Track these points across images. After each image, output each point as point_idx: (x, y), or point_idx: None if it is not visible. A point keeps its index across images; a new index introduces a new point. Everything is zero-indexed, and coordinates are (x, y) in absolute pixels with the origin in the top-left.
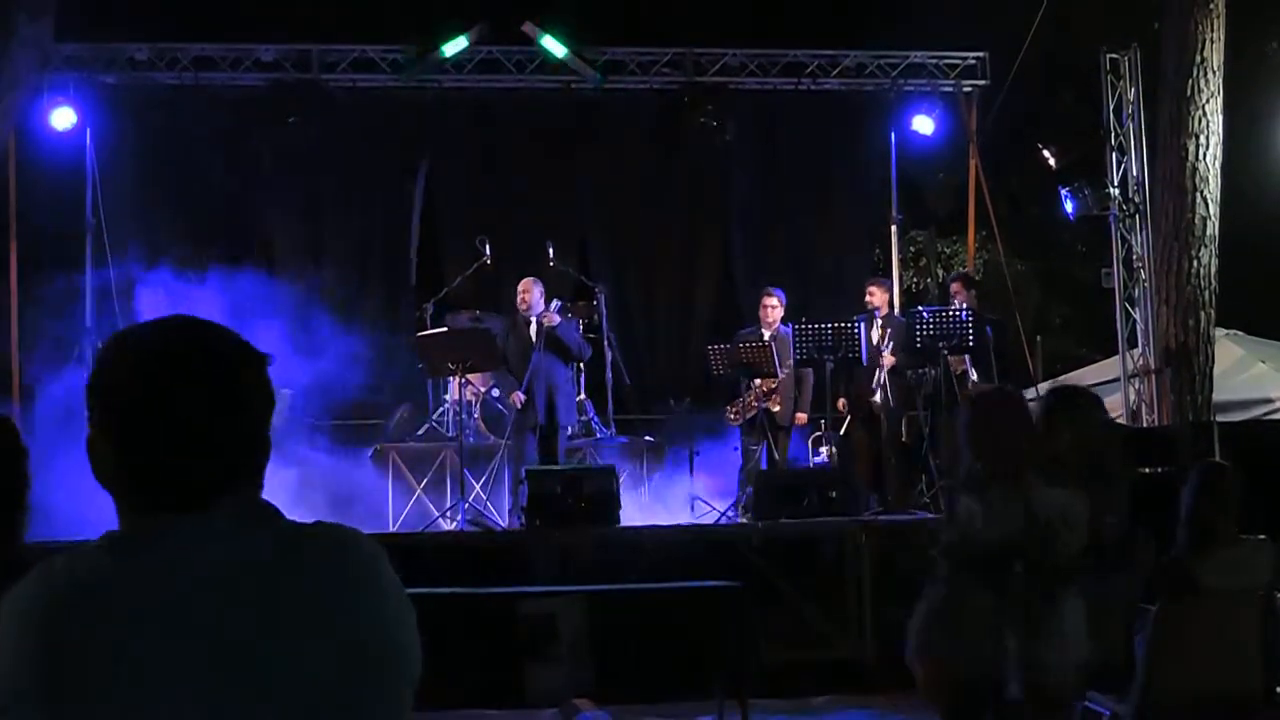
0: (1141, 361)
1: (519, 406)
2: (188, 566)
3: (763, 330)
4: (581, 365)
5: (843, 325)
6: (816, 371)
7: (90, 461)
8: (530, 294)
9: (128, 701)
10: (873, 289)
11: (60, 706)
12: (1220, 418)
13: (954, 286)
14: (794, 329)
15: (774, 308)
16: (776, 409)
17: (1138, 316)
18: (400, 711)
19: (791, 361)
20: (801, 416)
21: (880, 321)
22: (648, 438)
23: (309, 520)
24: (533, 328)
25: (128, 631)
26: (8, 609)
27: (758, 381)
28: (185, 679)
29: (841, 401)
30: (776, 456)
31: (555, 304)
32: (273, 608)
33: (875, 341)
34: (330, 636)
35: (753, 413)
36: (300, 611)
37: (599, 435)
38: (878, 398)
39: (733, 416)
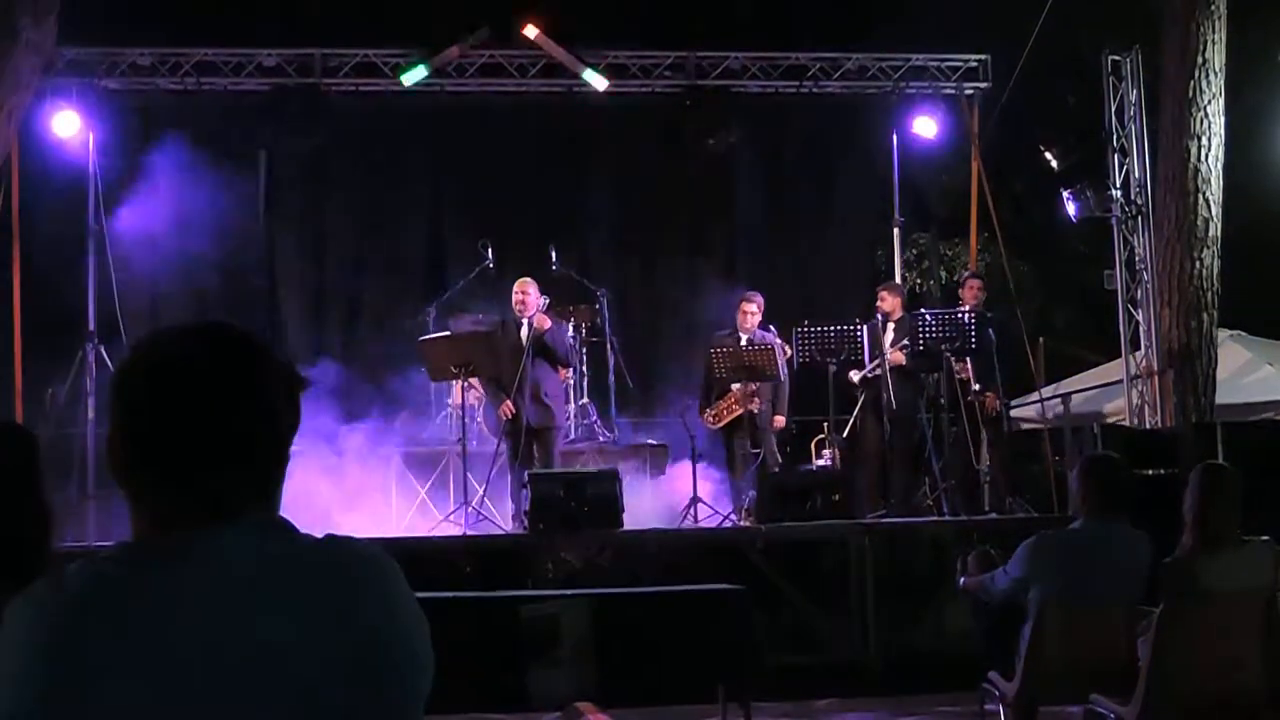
0: (1144, 363)
1: (509, 417)
2: (204, 581)
3: (740, 334)
4: (584, 370)
5: (844, 328)
6: (819, 374)
7: (108, 461)
8: (528, 295)
9: (137, 714)
10: (884, 294)
11: (68, 718)
12: (1227, 420)
13: (974, 283)
14: (795, 331)
15: (752, 313)
16: (757, 411)
17: (1140, 318)
18: None
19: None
20: (780, 420)
21: (894, 325)
22: (650, 441)
23: (314, 528)
24: (524, 331)
25: (139, 645)
26: (17, 616)
27: (736, 386)
28: (195, 693)
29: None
30: (768, 459)
31: (544, 302)
32: (287, 622)
33: (887, 346)
34: (344, 651)
35: (734, 416)
36: (314, 626)
37: (601, 438)
38: (855, 377)
39: (711, 420)
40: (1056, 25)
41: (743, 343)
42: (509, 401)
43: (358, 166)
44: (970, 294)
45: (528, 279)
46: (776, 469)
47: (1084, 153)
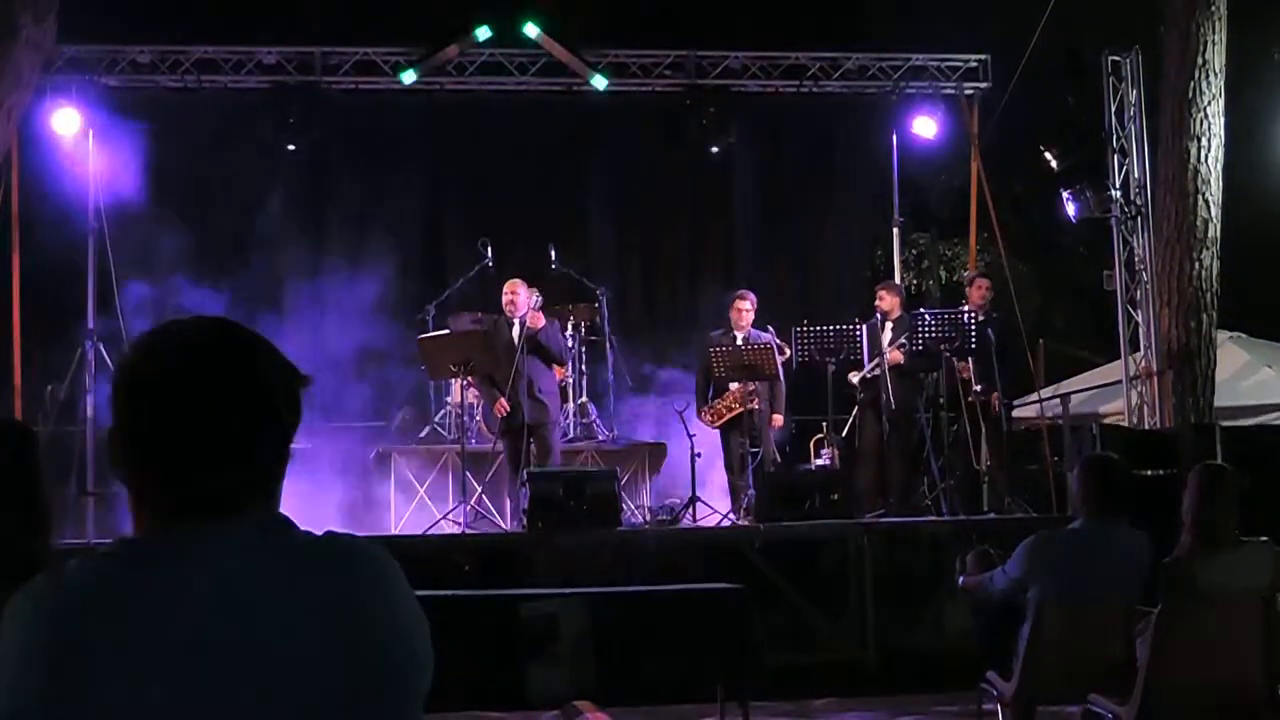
0: (1143, 364)
1: (504, 415)
2: (204, 579)
3: (735, 333)
4: (584, 369)
5: (844, 327)
6: (818, 373)
7: (110, 459)
8: (517, 295)
9: (137, 711)
10: (882, 293)
11: (66, 716)
12: (1226, 422)
13: (982, 282)
14: (795, 331)
15: (746, 310)
16: (756, 410)
17: (1139, 319)
18: (411, 718)
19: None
20: (778, 419)
21: (892, 325)
22: (649, 440)
23: (314, 527)
24: (515, 329)
25: (139, 642)
26: (17, 612)
27: (735, 385)
28: (196, 689)
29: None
30: (767, 458)
31: (536, 300)
32: (287, 620)
33: (885, 346)
34: (344, 649)
35: (732, 415)
36: (316, 623)
37: (600, 437)
38: (855, 378)
39: (710, 419)
40: (1056, 25)
41: (739, 341)
42: (503, 400)
43: (357, 165)
44: (978, 294)
45: (516, 279)
46: (775, 468)
47: (1084, 153)
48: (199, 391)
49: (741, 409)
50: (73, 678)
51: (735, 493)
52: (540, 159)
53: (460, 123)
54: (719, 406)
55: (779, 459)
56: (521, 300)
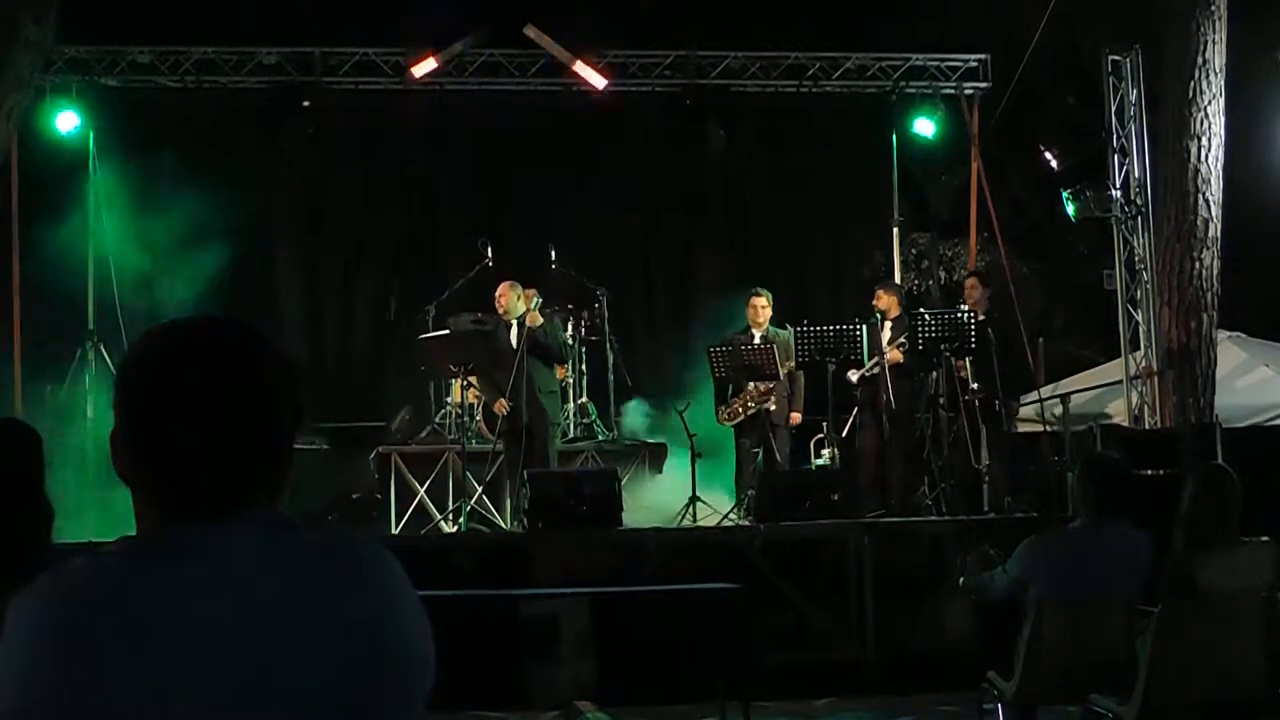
0: (1144, 363)
1: (505, 414)
2: (207, 576)
3: (753, 331)
4: (583, 368)
5: (844, 327)
6: (818, 373)
7: (112, 456)
8: (506, 298)
9: (140, 710)
10: (880, 292)
11: (71, 714)
12: (1227, 421)
13: (970, 282)
14: (795, 331)
15: (763, 308)
16: (772, 408)
17: (1140, 318)
18: (412, 718)
19: (791, 362)
20: (796, 416)
21: (891, 324)
22: (649, 440)
23: (314, 526)
24: (513, 331)
25: (143, 640)
26: (21, 611)
27: (751, 384)
28: (199, 689)
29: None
30: (779, 458)
31: (537, 301)
32: (290, 618)
33: (885, 345)
34: (346, 647)
35: (749, 413)
36: (317, 622)
37: (600, 437)
38: (853, 376)
39: (725, 418)
40: (1056, 25)
41: (757, 340)
42: (502, 399)
43: (357, 165)
44: (970, 294)
45: (506, 282)
46: (786, 467)
47: (1084, 153)
48: (201, 390)
49: (756, 408)
50: (76, 677)
51: (741, 491)
52: (540, 159)
53: (460, 123)
54: (735, 405)
55: (782, 458)
56: (510, 303)
